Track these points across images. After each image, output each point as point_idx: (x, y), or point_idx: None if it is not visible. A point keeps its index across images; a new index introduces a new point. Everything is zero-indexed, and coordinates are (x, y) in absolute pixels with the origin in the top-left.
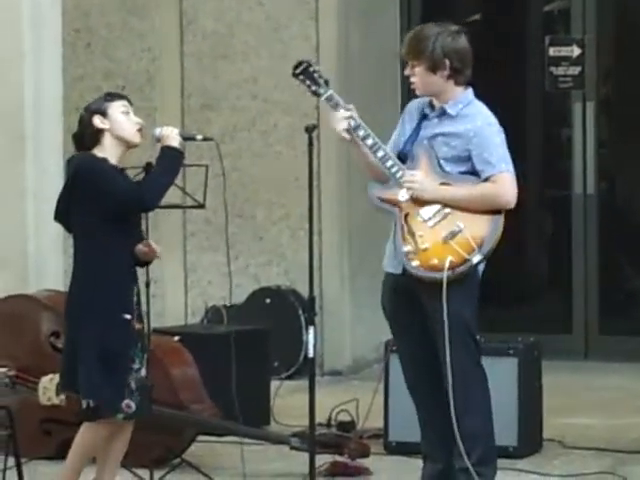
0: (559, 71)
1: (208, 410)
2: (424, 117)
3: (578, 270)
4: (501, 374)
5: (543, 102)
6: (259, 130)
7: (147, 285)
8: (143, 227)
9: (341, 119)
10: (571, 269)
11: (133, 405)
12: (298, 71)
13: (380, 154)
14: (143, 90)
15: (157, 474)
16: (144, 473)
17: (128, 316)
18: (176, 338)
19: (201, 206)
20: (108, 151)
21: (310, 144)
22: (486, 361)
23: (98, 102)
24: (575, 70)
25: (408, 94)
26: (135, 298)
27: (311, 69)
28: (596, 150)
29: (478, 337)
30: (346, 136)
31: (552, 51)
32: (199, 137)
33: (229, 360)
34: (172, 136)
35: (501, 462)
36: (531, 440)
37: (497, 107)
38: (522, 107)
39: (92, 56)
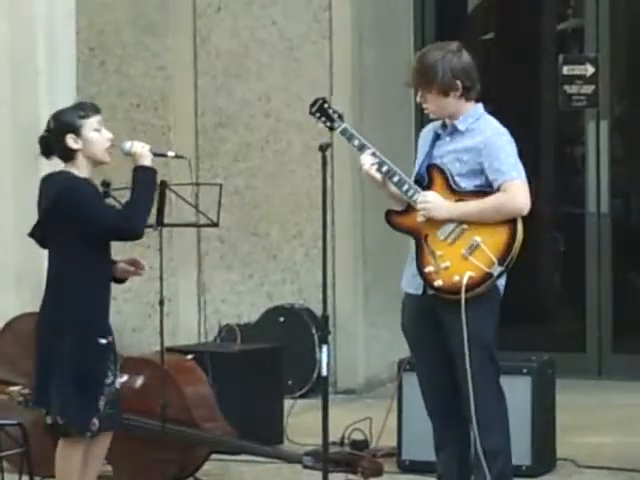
0: (573, 89)
1: (221, 428)
2: (437, 137)
3: (592, 288)
4: (515, 392)
5: (557, 121)
6: (273, 149)
7: (161, 303)
8: (157, 245)
9: (367, 161)
10: (585, 287)
11: (97, 423)
12: (314, 109)
13: (395, 179)
14: (157, 108)
15: None
16: None
17: (104, 341)
18: (189, 356)
19: (215, 225)
20: (80, 168)
21: (324, 162)
22: (500, 379)
23: (70, 115)
24: (589, 89)
25: (422, 113)
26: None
27: (325, 105)
28: (610, 168)
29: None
30: (376, 175)
31: (566, 69)
32: (170, 154)
33: (242, 378)
34: (144, 154)
35: None
36: (545, 459)
37: (511, 125)
38: (536, 125)
39: (106, 74)
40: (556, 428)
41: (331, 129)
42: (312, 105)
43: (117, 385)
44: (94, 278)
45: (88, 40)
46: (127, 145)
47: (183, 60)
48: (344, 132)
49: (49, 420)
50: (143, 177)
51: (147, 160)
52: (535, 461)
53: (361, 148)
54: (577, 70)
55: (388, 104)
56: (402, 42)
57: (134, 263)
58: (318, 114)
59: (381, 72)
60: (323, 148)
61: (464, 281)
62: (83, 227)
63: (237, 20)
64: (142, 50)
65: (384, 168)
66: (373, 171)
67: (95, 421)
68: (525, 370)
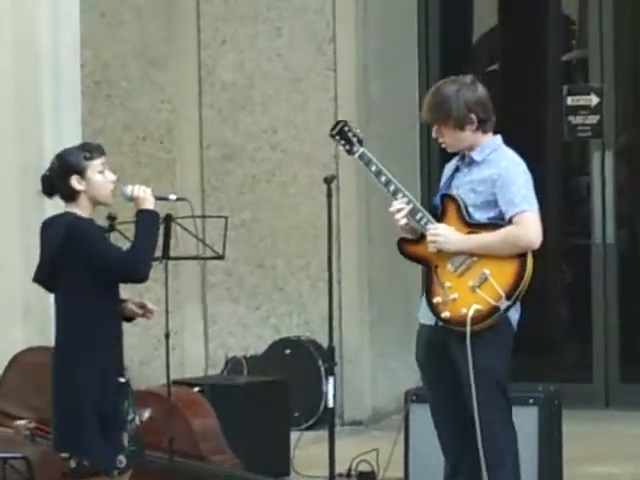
0: (577, 120)
1: (229, 461)
2: (457, 169)
3: (598, 318)
4: (521, 423)
5: (562, 151)
6: (278, 181)
7: (167, 336)
8: (163, 278)
9: (401, 208)
10: (591, 317)
11: (124, 460)
12: (335, 132)
13: (410, 207)
14: (163, 141)
15: None
16: None
17: (123, 379)
18: (196, 389)
19: (221, 257)
20: (83, 208)
21: (329, 194)
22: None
23: (76, 156)
24: (593, 119)
25: (428, 145)
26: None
27: (346, 128)
28: (615, 199)
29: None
30: (403, 222)
31: (570, 100)
32: (172, 197)
33: (249, 411)
34: (147, 198)
35: None
36: None
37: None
38: (541, 157)
39: (112, 108)
40: (563, 459)
41: (349, 152)
42: (333, 128)
43: (137, 422)
44: (106, 319)
45: (93, 74)
46: (128, 190)
47: (188, 93)
48: (362, 157)
49: (73, 463)
50: (146, 221)
51: (149, 203)
52: None
53: (378, 174)
54: (582, 101)
55: (393, 135)
56: (407, 73)
57: (143, 307)
58: (338, 137)
59: (386, 103)
60: (328, 180)
61: (470, 313)
62: (91, 268)
63: (242, 53)
64: (147, 83)
65: (399, 196)
66: (403, 222)
67: (122, 458)
68: (532, 400)
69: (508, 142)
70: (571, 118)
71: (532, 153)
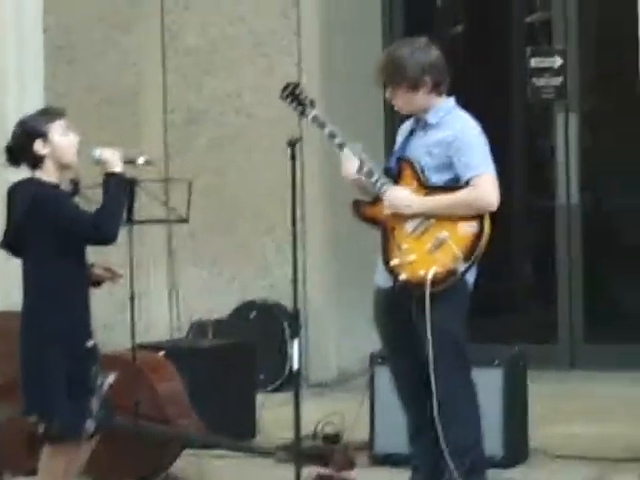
0: (541, 82)
1: (194, 424)
2: (412, 132)
3: (563, 279)
4: (486, 384)
5: (526, 113)
6: (243, 145)
7: (131, 299)
8: (127, 240)
9: (351, 162)
10: (556, 278)
11: (92, 424)
12: (285, 93)
13: (365, 169)
14: (127, 105)
15: None
16: None
17: (91, 343)
18: (161, 353)
19: (185, 220)
20: (49, 174)
21: (293, 157)
22: (471, 372)
23: (37, 120)
24: (557, 81)
25: (392, 109)
26: None
27: (297, 91)
28: (579, 160)
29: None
30: (356, 177)
31: (534, 62)
32: (140, 161)
33: (214, 374)
34: (114, 161)
35: (488, 472)
36: (517, 450)
37: (480, 119)
38: (505, 118)
39: (75, 72)
40: (528, 419)
41: (302, 115)
42: (284, 89)
43: (106, 386)
44: (75, 283)
45: (56, 38)
46: (97, 152)
47: (152, 57)
48: (315, 119)
49: (41, 428)
50: (114, 184)
51: (118, 167)
52: (508, 452)
53: (332, 136)
54: (545, 62)
55: (358, 100)
56: (371, 36)
57: (109, 271)
58: (290, 99)
59: (350, 67)
60: (292, 142)
61: (429, 276)
62: (59, 233)
63: (206, 17)
64: (111, 47)
65: (365, 169)
66: (354, 174)
67: (90, 423)
68: (497, 362)
69: (472, 104)
70: (535, 80)
71: (496, 115)
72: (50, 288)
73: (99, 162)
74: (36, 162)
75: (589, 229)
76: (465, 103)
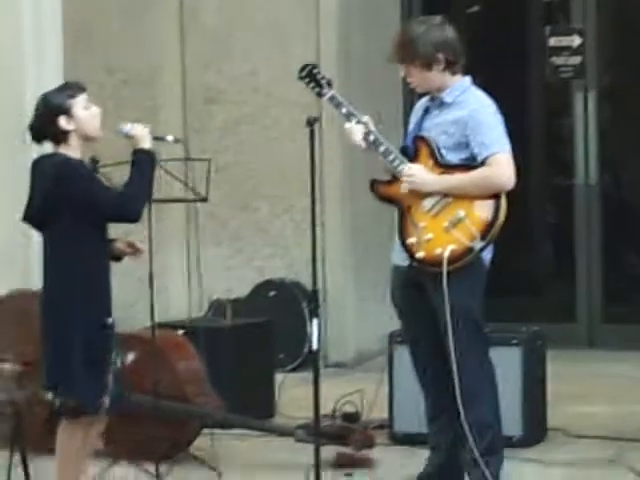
0: (560, 61)
1: (213, 403)
2: (427, 111)
3: (581, 259)
4: (505, 364)
5: (544, 92)
6: (261, 124)
7: (150, 278)
8: (147, 219)
9: (356, 129)
10: (574, 258)
11: (107, 401)
12: (303, 74)
13: (382, 149)
14: (145, 85)
15: (163, 467)
16: (150, 467)
17: (110, 320)
18: (180, 332)
19: (204, 200)
20: (74, 149)
21: (312, 136)
22: (490, 351)
23: (59, 97)
24: (576, 60)
25: (410, 91)
26: None
27: (315, 71)
28: (598, 140)
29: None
30: (363, 144)
31: (553, 41)
32: (169, 138)
33: (233, 353)
34: (144, 137)
35: (506, 452)
36: (536, 429)
37: (498, 98)
38: (523, 98)
39: (93, 53)
40: (547, 398)
41: (319, 95)
42: (301, 70)
43: (119, 365)
44: (96, 259)
45: (74, 21)
46: (127, 127)
47: (170, 37)
48: (332, 99)
49: (58, 402)
50: (142, 160)
51: (147, 144)
52: (526, 431)
53: (349, 116)
54: (564, 41)
55: (375, 82)
56: (390, 19)
57: (132, 246)
58: (307, 79)
59: (368, 50)
60: (311, 122)
61: (446, 254)
62: (84, 210)
63: None
64: (129, 27)
65: (371, 137)
66: (360, 141)
67: (106, 400)
68: (515, 341)
69: (491, 84)
70: (554, 59)
71: (515, 94)
72: (71, 263)
73: (128, 137)
74: (60, 138)
75: (608, 208)
76: (483, 83)
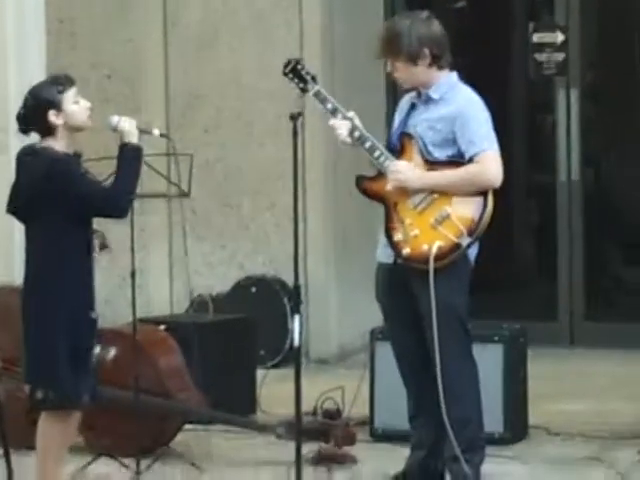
0: (543, 57)
1: (194, 399)
2: (413, 107)
3: (563, 256)
4: (486, 361)
5: (527, 88)
6: (244, 119)
7: (132, 275)
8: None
9: (341, 125)
10: (556, 255)
11: (87, 395)
12: (287, 70)
13: (367, 145)
14: (128, 80)
15: (144, 463)
16: (130, 463)
17: (95, 314)
18: (162, 327)
19: (186, 195)
20: (62, 141)
21: (295, 132)
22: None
23: (49, 91)
24: (559, 56)
25: (394, 83)
26: None
27: (299, 67)
28: (580, 136)
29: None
30: (348, 140)
31: (536, 37)
32: (156, 132)
33: (215, 349)
34: (131, 131)
35: (487, 449)
36: (517, 427)
37: (481, 94)
38: (506, 94)
39: (77, 47)
40: (528, 396)
41: (303, 91)
42: (285, 66)
43: (95, 358)
44: (81, 253)
45: (58, 11)
46: (115, 120)
47: (153, 31)
48: (317, 95)
49: (39, 395)
50: (129, 155)
51: (134, 138)
52: (507, 429)
53: (334, 112)
54: (547, 38)
55: (359, 73)
56: (373, 10)
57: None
58: (291, 75)
59: (352, 40)
60: (294, 117)
61: (433, 250)
62: (71, 205)
63: None
64: (113, 21)
65: (356, 133)
66: (345, 137)
67: (86, 393)
68: (497, 338)
69: (473, 79)
70: (537, 55)
71: (498, 90)
72: (56, 256)
73: (115, 131)
74: (49, 132)
75: (590, 205)
76: (467, 78)
